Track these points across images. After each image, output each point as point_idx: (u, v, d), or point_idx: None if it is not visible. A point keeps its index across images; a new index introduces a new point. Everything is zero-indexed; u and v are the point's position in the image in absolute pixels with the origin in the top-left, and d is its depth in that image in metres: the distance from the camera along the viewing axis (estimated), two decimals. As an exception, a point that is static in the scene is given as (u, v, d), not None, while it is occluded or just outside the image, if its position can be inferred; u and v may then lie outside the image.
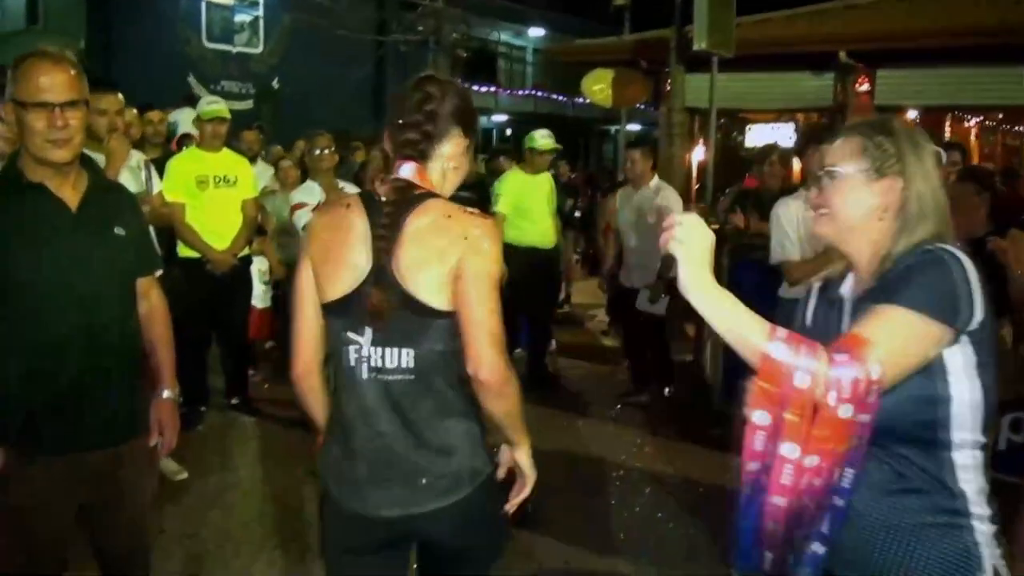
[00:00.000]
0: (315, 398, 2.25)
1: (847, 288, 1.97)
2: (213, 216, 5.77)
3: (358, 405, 2.08)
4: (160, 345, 2.75)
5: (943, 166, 1.99)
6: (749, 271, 5.77)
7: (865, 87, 10.85)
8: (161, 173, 5.59)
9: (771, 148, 6.38)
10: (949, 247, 1.77)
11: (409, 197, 2.04)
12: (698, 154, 11.49)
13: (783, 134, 12.28)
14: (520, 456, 2.28)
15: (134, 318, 2.64)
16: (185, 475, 5.04)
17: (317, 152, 5.80)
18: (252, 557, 4.22)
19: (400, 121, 2.09)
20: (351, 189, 5.65)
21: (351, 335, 2.05)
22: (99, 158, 4.62)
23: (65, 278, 2.41)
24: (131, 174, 4.76)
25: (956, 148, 6.06)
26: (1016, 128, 13.65)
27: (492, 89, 30.70)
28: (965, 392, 1.73)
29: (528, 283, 6.78)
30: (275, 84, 21.60)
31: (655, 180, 6.52)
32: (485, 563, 2.24)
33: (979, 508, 1.77)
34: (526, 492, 2.29)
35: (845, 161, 1.87)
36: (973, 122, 12.66)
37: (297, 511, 4.72)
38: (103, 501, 2.57)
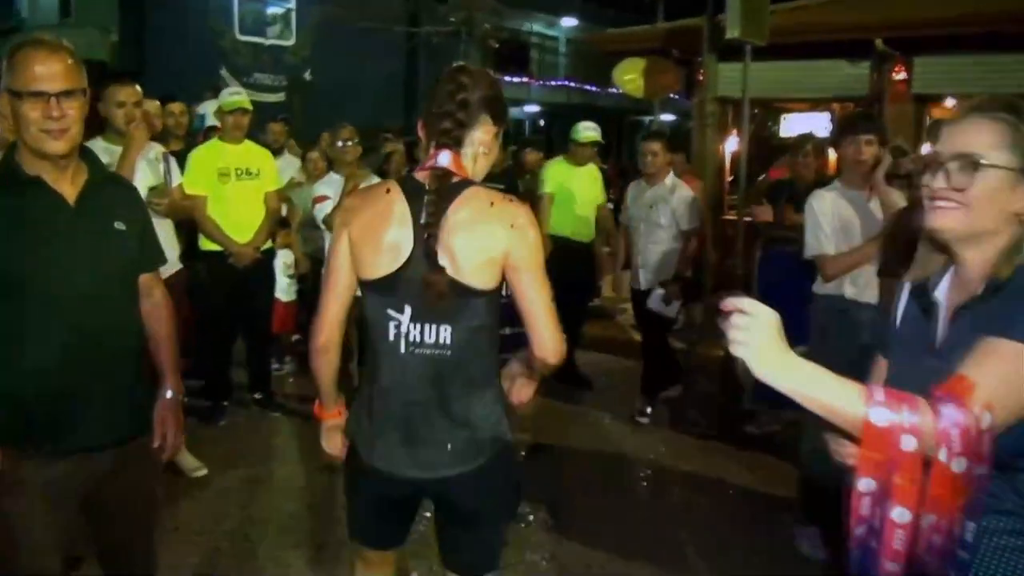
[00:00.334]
0: (330, 369, 2.43)
1: (943, 291, 1.78)
2: (235, 209, 5.69)
3: (395, 377, 2.25)
4: (164, 343, 2.66)
5: None
6: (781, 264, 5.61)
7: (902, 75, 10.58)
8: (183, 165, 5.55)
9: (805, 138, 6.18)
10: None
11: (449, 185, 2.20)
12: (731, 145, 11.27)
13: (818, 124, 12.01)
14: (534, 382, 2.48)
15: (136, 315, 2.55)
16: (204, 471, 4.98)
17: (340, 144, 5.72)
18: (267, 557, 4.14)
19: (434, 111, 2.25)
20: (373, 181, 5.57)
21: (391, 312, 2.22)
22: (119, 151, 4.59)
23: (63, 275, 2.32)
24: (149, 166, 4.70)
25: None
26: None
27: (524, 80, 30.54)
28: None
29: (561, 276, 6.62)
30: (307, 76, 21.61)
31: (671, 176, 6.22)
32: (497, 523, 2.44)
33: None
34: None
35: (993, 150, 1.64)
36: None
37: (315, 510, 4.64)
38: (104, 502, 2.49)
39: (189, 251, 5.84)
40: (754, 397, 5.90)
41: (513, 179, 8.54)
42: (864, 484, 1.50)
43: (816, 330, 4.23)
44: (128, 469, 2.49)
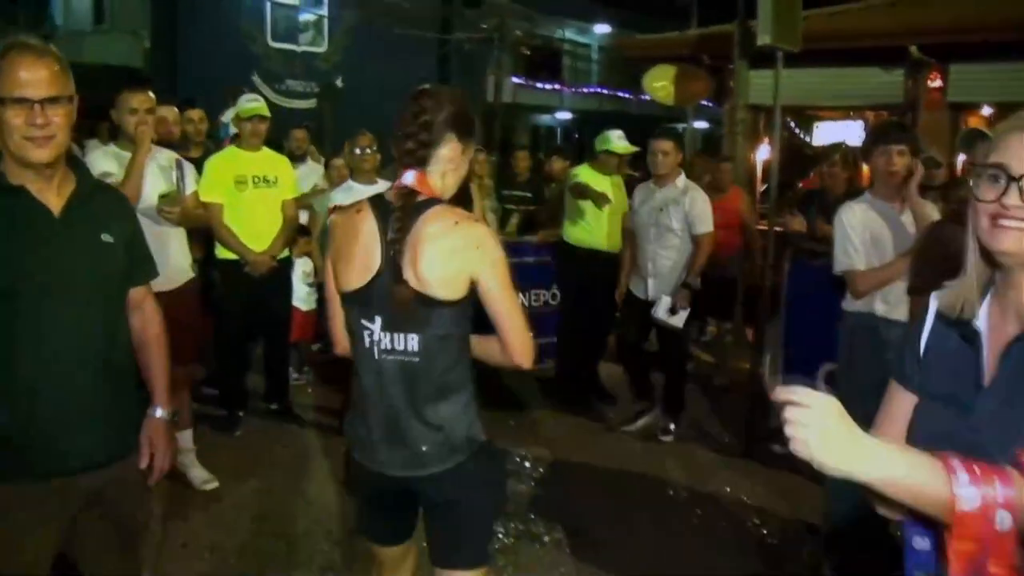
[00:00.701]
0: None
1: (983, 319, 1.57)
2: (252, 217, 5.60)
3: (371, 381, 2.41)
4: (154, 360, 2.56)
5: None
6: (810, 277, 5.44)
7: (937, 83, 10.35)
8: (202, 173, 5.48)
9: (834, 148, 6.02)
10: None
11: (415, 203, 2.34)
12: (763, 153, 11.08)
13: (852, 132, 11.80)
14: None
15: (124, 331, 2.45)
16: (215, 484, 4.89)
17: (358, 152, 5.62)
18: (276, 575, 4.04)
19: (398, 132, 2.39)
20: (384, 184, 5.49)
21: (365, 321, 2.37)
22: (122, 155, 4.51)
23: (46, 289, 2.22)
24: (161, 173, 4.62)
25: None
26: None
27: (556, 87, 30.43)
28: None
29: (588, 287, 6.51)
30: (338, 83, 21.61)
31: (682, 178, 5.90)
32: (479, 520, 2.52)
33: None
34: None
35: None
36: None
37: (328, 527, 4.53)
38: (87, 527, 2.37)
39: (205, 258, 5.78)
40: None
41: (539, 187, 8.44)
42: None
43: (845, 348, 4.06)
44: (112, 492, 2.38)
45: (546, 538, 4.41)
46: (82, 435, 2.29)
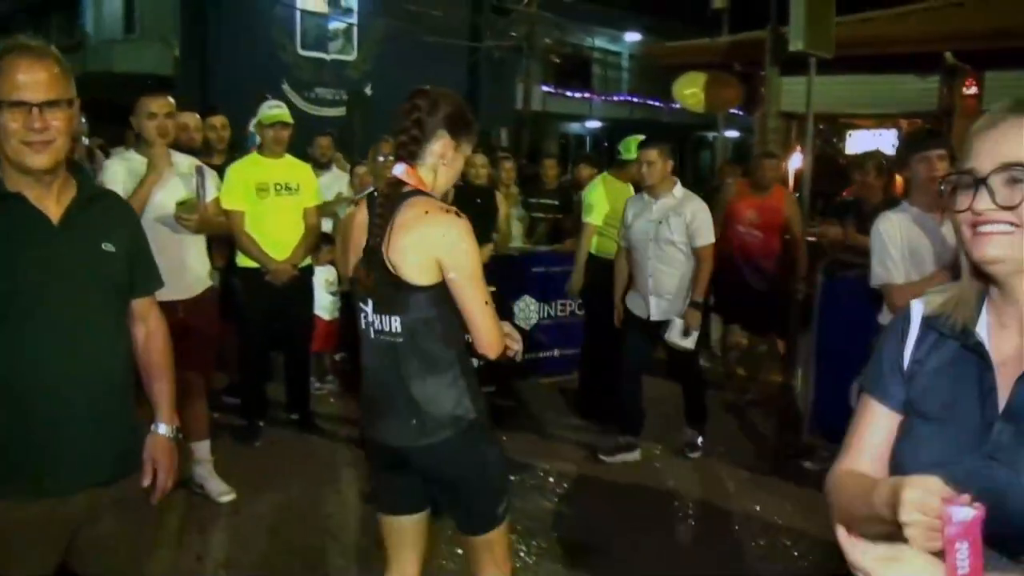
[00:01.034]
0: None
1: (984, 328, 1.44)
2: (274, 225, 5.51)
3: (369, 359, 2.63)
4: (158, 373, 2.46)
5: None
6: (845, 289, 5.28)
7: (972, 90, 10.14)
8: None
9: (868, 156, 5.84)
10: None
11: (399, 193, 2.51)
12: (795, 162, 10.91)
13: (885, 141, 11.61)
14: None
15: (125, 344, 2.36)
16: (233, 496, 4.79)
17: (381, 159, 5.53)
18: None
19: (395, 128, 2.60)
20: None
21: (361, 304, 2.59)
22: (141, 161, 4.45)
23: (43, 300, 2.13)
24: (182, 180, 4.54)
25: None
26: None
27: (587, 95, 30.35)
28: None
29: (611, 298, 6.35)
30: (368, 91, 21.61)
31: (678, 187, 5.52)
32: (477, 492, 2.64)
33: None
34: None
35: None
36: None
37: (346, 541, 4.43)
38: (86, 550, 2.27)
39: (227, 267, 5.71)
40: (812, 430, 5.57)
41: (568, 194, 8.33)
42: None
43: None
44: (113, 512, 2.28)
45: (568, 556, 4.28)
46: (80, 452, 2.19)
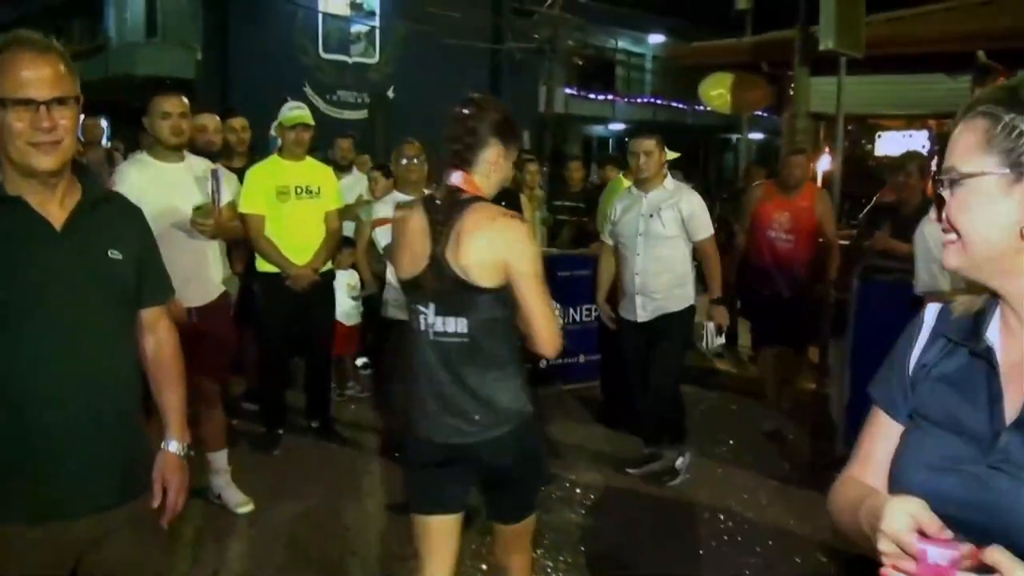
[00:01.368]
0: None
1: (995, 333, 1.34)
2: (294, 229, 5.40)
3: (425, 359, 2.68)
4: (169, 387, 2.33)
5: None
6: (880, 294, 5.12)
7: (1006, 90, 9.91)
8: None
9: (909, 157, 5.66)
10: None
11: (459, 200, 2.63)
12: (823, 164, 10.72)
13: (916, 142, 11.38)
14: None
15: (133, 356, 2.22)
16: (251, 507, 4.68)
17: (404, 162, 5.40)
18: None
19: (447, 136, 2.69)
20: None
21: (419, 306, 2.68)
22: (164, 167, 4.34)
23: (45, 311, 2.00)
24: (197, 184, 4.43)
25: None
26: None
27: (609, 97, 30.18)
28: None
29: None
30: (390, 93, 21.57)
31: (669, 179, 5.22)
32: (524, 481, 2.83)
33: None
34: None
35: (968, 156, 1.27)
36: None
37: (367, 553, 4.32)
38: (94, 574, 2.14)
39: (247, 272, 5.61)
40: (847, 440, 5.40)
41: (593, 197, 8.18)
42: None
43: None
44: (119, 537, 2.13)
45: (595, 572, 4.13)
46: (85, 474, 2.06)
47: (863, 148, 12.03)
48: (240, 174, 5.51)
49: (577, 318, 7.41)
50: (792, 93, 9.96)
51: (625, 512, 4.92)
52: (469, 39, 20.59)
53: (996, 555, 1.09)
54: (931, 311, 1.46)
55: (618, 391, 6.34)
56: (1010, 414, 1.27)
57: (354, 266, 6.67)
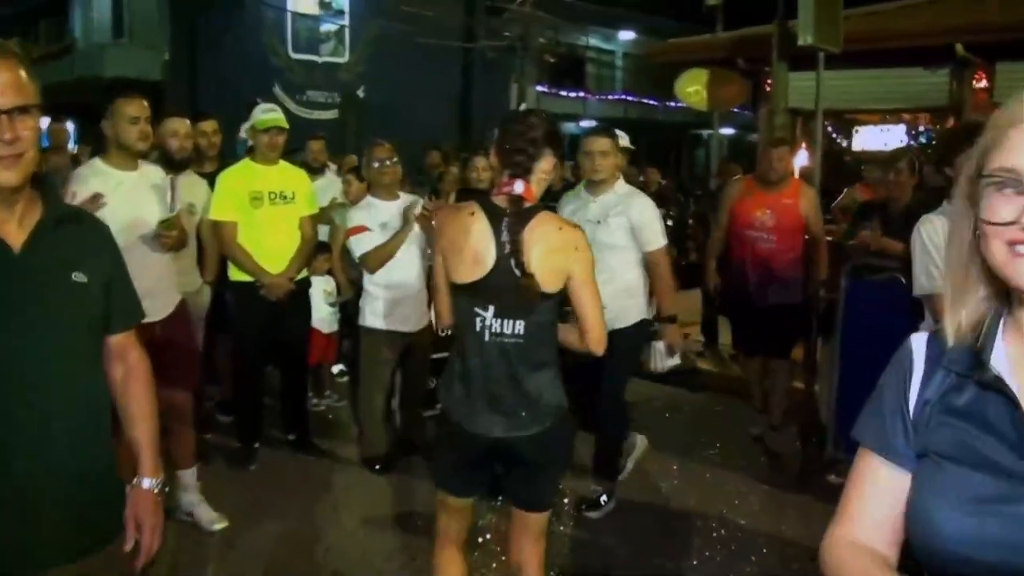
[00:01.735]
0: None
1: (1001, 357, 1.20)
2: (268, 236, 5.21)
3: (480, 359, 2.85)
4: (141, 420, 2.14)
5: None
6: (869, 294, 5.02)
7: (983, 83, 9.90)
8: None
9: (901, 152, 5.56)
10: None
11: (524, 209, 2.80)
12: (801, 159, 10.67)
13: (893, 136, 11.35)
14: None
15: (101, 388, 2.04)
16: (224, 524, 4.50)
17: (376, 165, 5.24)
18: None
19: (508, 147, 2.86)
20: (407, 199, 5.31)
21: (478, 309, 2.83)
22: (123, 176, 4.15)
23: (2, 341, 1.82)
24: (155, 194, 4.24)
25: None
26: None
27: (581, 94, 30.08)
28: None
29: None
30: (360, 93, 21.38)
31: (621, 183, 4.77)
32: (554, 472, 3.06)
33: None
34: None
35: None
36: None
37: (349, 570, 4.15)
38: None
39: (219, 280, 5.42)
40: (837, 442, 5.30)
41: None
42: None
43: (923, 377, 3.63)
44: None
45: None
46: (54, 519, 1.88)
47: (839, 143, 11.99)
48: (211, 179, 5.35)
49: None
50: (769, 89, 9.90)
51: (613, 520, 4.78)
52: (440, 37, 20.42)
53: None
54: (918, 342, 1.33)
55: (585, 398, 6.17)
56: None
57: (330, 271, 6.51)
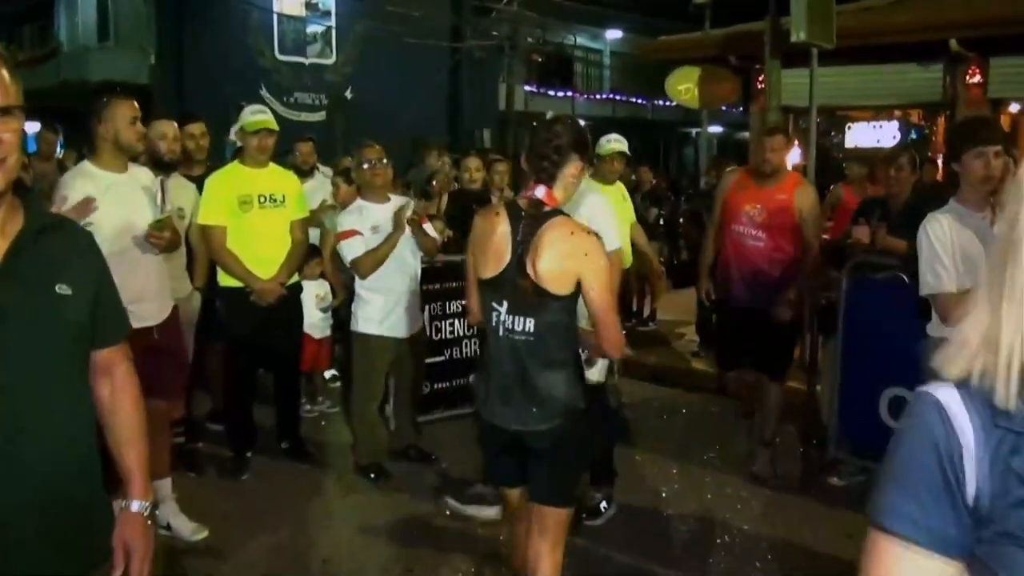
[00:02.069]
0: None
1: None
2: (258, 240, 5.11)
3: (496, 353, 3.04)
4: (130, 440, 2.03)
5: None
6: (871, 293, 4.95)
7: (977, 79, 9.87)
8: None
9: (901, 149, 5.50)
10: None
11: (542, 212, 2.94)
12: (793, 157, 10.59)
13: (886, 133, 11.32)
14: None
15: (86, 406, 1.94)
16: (204, 533, 4.38)
17: (366, 166, 5.13)
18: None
19: (534, 152, 3.01)
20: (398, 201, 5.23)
21: (494, 304, 3.00)
22: (115, 178, 4.05)
23: None
24: (146, 196, 4.14)
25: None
26: None
27: (569, 94, 30.03)
28: None
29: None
30: (348, 94, 21.28)
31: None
32: (570, 470, 3.15)
33: None
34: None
35: None
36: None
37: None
38: None
39: (209, 287, 5.32)
40: (839, 443, 5.23)
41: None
42: None
43: (931, 379, 3.55)
44: None
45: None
46: (37, 547, 1.77)
47: (831, 140, 11.95)
48: (199, 182, 5.25)
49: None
50: (761, 86, 9.84)
51: (613, 526, 4.69)
52: (427, 38, 20.31)
53: None
54: (952, 403, 1.07)
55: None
56: None
57: (323, 275, 6.41)
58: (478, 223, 3.11)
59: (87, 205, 3.78)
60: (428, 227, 5.27)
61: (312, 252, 6.17)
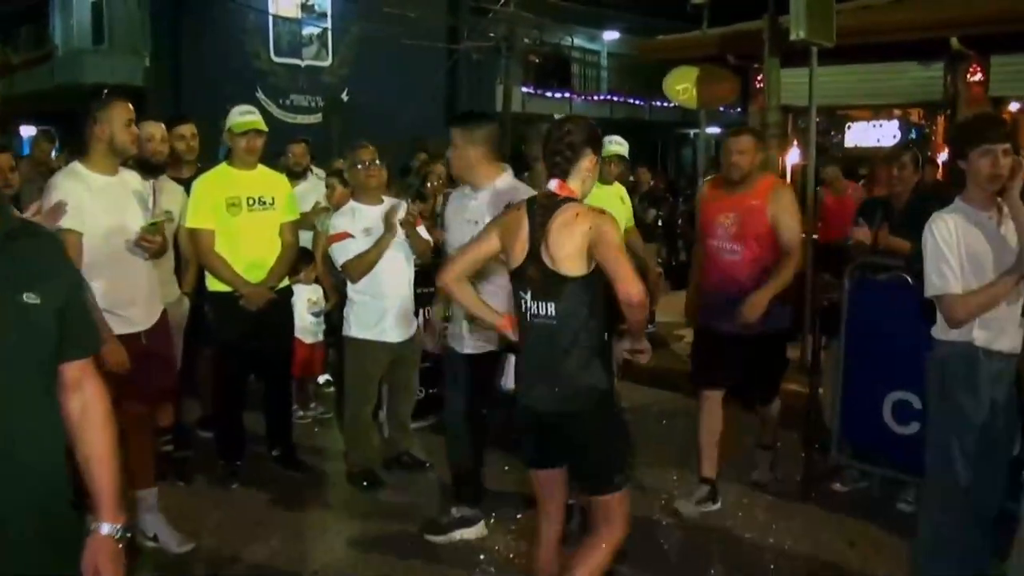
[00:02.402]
0: (463, 295, 3.37)
1: None
2: (247, 243, 5.01)
3: (525, 338, 3.21)
4: (100, 459, 1.93)
5: None
6: (873, 294, 4.84)
7: (978, 77, 9.76)
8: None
9: (903, 148, 5.38)
10: None
11: (554, 202, 3.11)
12: (793, 157, 10.51)
13: (886, 132, 11.22)
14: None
15: (54, 422, 1.84)
16: (191, 545, 4.27)
17: (360, 167, 5.03)
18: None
19: (548, 149, 3.18)
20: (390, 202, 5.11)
21: (521, 292, 3.18)
22: (107, 181, 3.96)
23: None
24: (137, 199, 4.05)
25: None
26: None
27: (566, 95, 29.91)
28: None
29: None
30: (344, 96, 21.17)
31: (505, 177, 4.27)
32: (601, 460, 3.20)
33: None
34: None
35: None
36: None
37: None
38: None
39: (198, 291, 5.22)
40: (841, 447, 5.12)
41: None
42: None
43: (936, 385, 3.45)
44: None
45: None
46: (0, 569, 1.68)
47: (830, 139, 11.84)
48: (189, 185, 5.15)
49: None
50: (760, 86, 9.74)
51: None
52: (424, 39, 20.21)
53: None
54: None
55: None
56: None
57: (317, 279, 6.32)
58: (507, 216, 3.27)
59: (58, 210, 3.69)
60: (422, 229, 5.15)
61: (305, 256, 6.07)
